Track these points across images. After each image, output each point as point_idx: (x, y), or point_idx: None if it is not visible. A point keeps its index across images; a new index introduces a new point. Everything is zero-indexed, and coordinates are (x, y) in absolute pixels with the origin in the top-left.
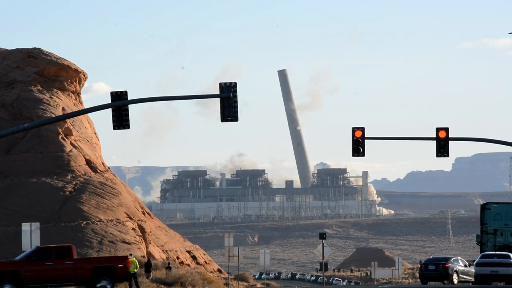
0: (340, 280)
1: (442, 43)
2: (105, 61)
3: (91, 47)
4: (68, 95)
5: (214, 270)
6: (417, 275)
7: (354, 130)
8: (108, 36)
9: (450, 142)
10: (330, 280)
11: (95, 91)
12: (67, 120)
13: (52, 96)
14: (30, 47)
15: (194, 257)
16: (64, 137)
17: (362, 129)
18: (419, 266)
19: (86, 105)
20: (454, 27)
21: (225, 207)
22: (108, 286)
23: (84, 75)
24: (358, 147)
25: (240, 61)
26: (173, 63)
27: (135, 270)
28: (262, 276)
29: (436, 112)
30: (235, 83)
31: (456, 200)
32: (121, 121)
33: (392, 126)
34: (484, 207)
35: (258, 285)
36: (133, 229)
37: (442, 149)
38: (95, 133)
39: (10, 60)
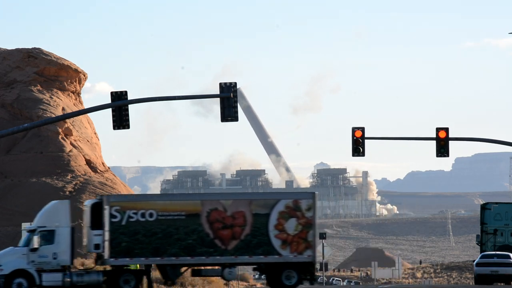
0: (340, 280)
1: (444, 43)
2: (107, 62)
3: (92, 48)
4: (68, 95)
5: None
6: (418, 275)
7: (354, 130)
8: (109, 37)
9: (450, 142)
10: (330, 280)
11: (97, 91)
12: (67, 120)
13: (52, 96)
14: (30, 47)
15: None
16: (64, 137)
17: (362, 129)
18: None
19: (89, 105)
20: (456, 27)
21: None
22: None
23: (84, 75)
24: (358, 147)
25: (239, 61)
26: (173, 63)
27: None
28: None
29: (436, 112)
30: (235, 83)
31: (456, 200)
32: (121, 121)
33: (392, 126)
34: (484, 207)
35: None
36: None
37: (442, 149)
38: (95, 133)
39: (10, 60)
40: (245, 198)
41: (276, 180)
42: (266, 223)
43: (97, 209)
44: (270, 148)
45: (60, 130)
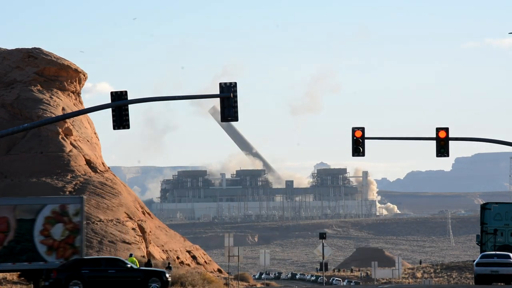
0: (340, 280)
1: (446, 43)
2: (107, 62)
3: (92, 48)
4: (68, 95)
5: (214, 270)
6: (418, 275)
7: (354, 130)
8: (109, 37)
9: (450, 142)
10: (330, 280)
11: (98, 91)
12: (67, 120)
13: (52, 96)
14: (30, 47)
15: (194, 257)
16: (64, 137)
17: (362, 129)
18: None
19: (89, 105)
20: (458, 27)
21: (225, 207)
22: None
23: (84, 75)
24: (358, 147)
25: (239, 61)
26: (173, 63)
27: None
28: (262, 276)
29: (436, 112)
30: (235, 83)
31: (456, 200)
32: (121, 121)
33: (392, 126)
34: (484, 207)
35: (258, 285)
36: (133, 229)
37: (442, 149)
38: (95, 133)
39: (10, 60)
40: (8, 203)
41: (276, 180)
42: (31, 229)
43: None
44: (256, 158)
45: (60, 130)
